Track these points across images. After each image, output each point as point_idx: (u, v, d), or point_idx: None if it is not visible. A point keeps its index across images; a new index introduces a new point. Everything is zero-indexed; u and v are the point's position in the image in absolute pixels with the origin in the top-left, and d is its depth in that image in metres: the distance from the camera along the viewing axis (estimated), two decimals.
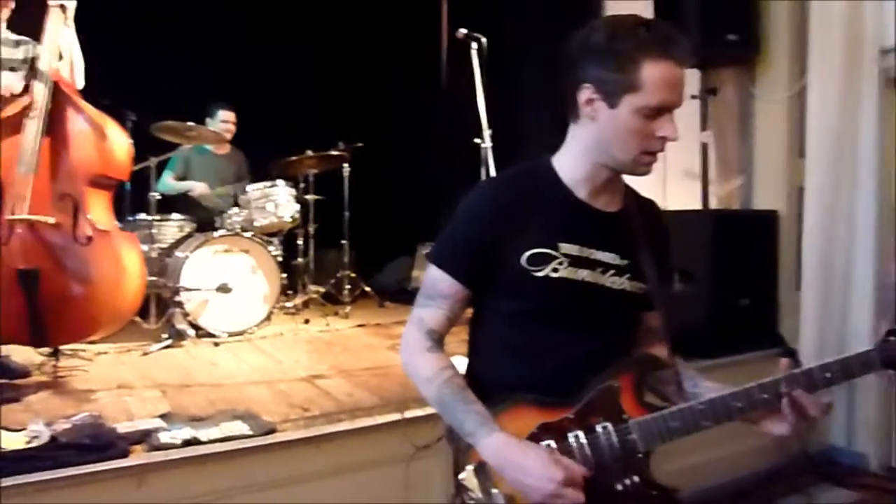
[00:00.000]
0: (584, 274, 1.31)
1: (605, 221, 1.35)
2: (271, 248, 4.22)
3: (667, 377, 1.38)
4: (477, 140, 3.69)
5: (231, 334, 3.98)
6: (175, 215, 4.38)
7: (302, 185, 4.81)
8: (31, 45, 3.01)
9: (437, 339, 1.35)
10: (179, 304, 3.86)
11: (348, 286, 4.85)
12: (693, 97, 3.78)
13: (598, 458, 1.24)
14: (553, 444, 1.25)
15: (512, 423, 1.25)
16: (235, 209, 4.36)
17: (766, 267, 3.59)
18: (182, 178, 4.76)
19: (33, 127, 2.82)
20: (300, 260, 4.86)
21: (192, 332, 3.87)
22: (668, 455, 1.34)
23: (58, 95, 2.91)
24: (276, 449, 2.23)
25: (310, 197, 4.79)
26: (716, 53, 3.58)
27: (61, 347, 3.08)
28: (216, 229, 4.26)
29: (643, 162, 1.28)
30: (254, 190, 4.33)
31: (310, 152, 4.59)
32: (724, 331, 3.30)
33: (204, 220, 4.50)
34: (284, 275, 4.29)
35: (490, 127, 3.61)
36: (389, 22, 5.44)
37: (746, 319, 3.44)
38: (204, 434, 2.19)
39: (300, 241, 4.85)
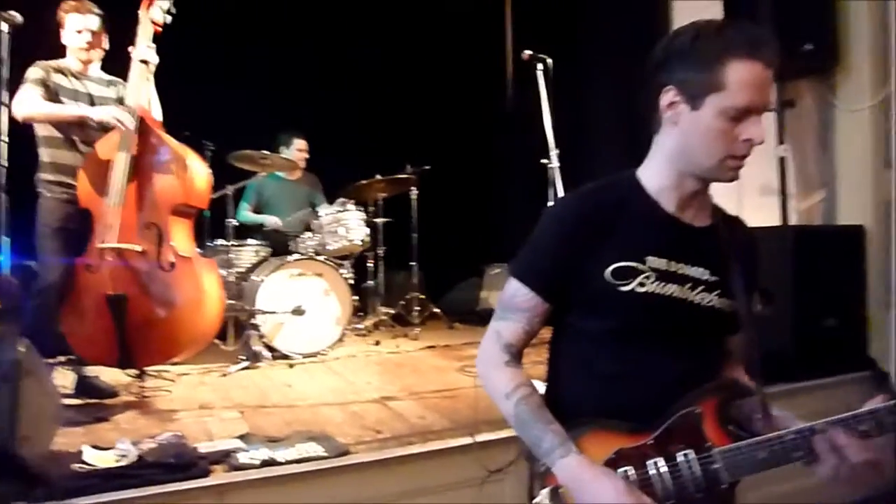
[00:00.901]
0: (672, 289, 1.25)
1: (694, 235, 1.29)
2: (343, 271, 4.31)
3: (752, 405, 1.29)
4: (544, 160, 3.68)
5: (305, 356, 4.06)
6: (251, 241, 4.53)
7: (371, 209, 4.90)
8: (122, 86, 3.21)
9: (515, 354, 1.31)
10: (255, 327, 3.98)
11: (417, 308, 4.89)
12: (768, 110, 3.66)
13: (679, 489, 1.18)
14: (631, 470, 1.19)
15: (590, 449, 1.21)
16: (308, 234, 4.48)
17: (852, 285, 3.42)
18: (258, 207, 4.94)
19: (121, 161, 2.98)
20: (370, 282, 4.94)
21: (267, 353, 3.98)
22: (751, 484, 1.28)
23: (143, 130, 3.08)
24: (350, 471, 2.26)
25: (379, 220, 4.88)
26: (791, 64, 3.45)
27: (146, 369, 3.22)
28: (290, 253, 4.38)
29: (729, 167, 1.22)
30: (325, 215, 4.44)
31: (379, 176, 4.68)
32: (808, 353, 3.15)
33: (279, 244, 4.65)
34: (356, 297, 4.37)
35: (557, 147, 3.59)
36: (455, 45, 5.51)
37: (832, 341, 3.27)
38: (281, 455, 2.25)
39: (370, 264, 4.93)
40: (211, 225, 4.55)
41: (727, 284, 1.29)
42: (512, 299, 1.31)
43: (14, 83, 2.88)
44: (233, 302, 4.09)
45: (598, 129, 5.14)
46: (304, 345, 4.09)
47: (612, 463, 1.20)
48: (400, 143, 5.13)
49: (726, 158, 1.20)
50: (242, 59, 5.22)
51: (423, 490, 2.30)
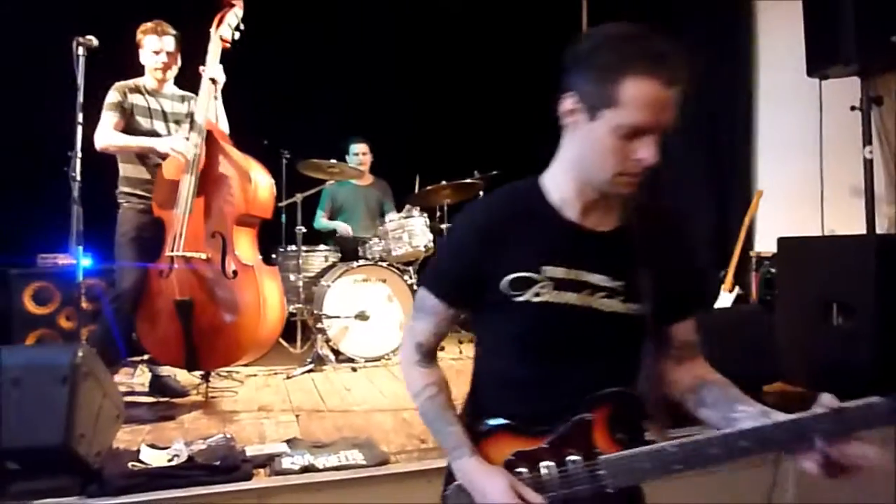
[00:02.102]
0: (570, 297, 1.24)
1: (596, 241, 1.26)
2: (406, 276, 4.36)
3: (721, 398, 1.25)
4: None
5: (368, 360, 4.14)
6: (321, 246, 4.66)
7: (438, 215, 4.93)
8: (193, 100, 3.39)
9: (426, 353, 1.36)
10: (322, 331, 4.09)
11: None
12: (853, 108, 3.41)
13: (566, 491, 1.20)
14: (526, 471, 1.22)
15: (492, 449, 1.26)
16: (375, 240, 4.56)
17: None
18: (332, 214, 5.09)
19: (187, 180, 3.15)
20: None
21: (332, 357, 4.08)
22: None
23: (210, 143, 3.23)
24: (388, 480, 2.28)
25: (444, 226, 4.90)
26: (877, 59, 3.20)
27: (211, 371, 3.38)
28: (359, 258, 4.47)
29: (620, 183, 1.18)
30: (390, 221, 4.50)
31: (444, 182, 4.69)
32: (892, 370, 2.90)
33: (348, 249, 4.76)
34: None
35: None
36: (525, 50, 5.45)
37: None
38: (321, 461, 2.30)
39: None
40: (286, 230, 4.73)
41: (633, 289, 1.25)
42: (422, 302, 1.36)
43: (96, 98, 3.11)
44: (301, 306, 4.23)
45: (679, 133, 4.95)
46: (368, 349, 4.17)
47: (511, 464, 1.24)
48: (468, 149, 5.12)
49: (618, 175, 1.17)
50: (314, 69, 5.39)
51: None
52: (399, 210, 4.73)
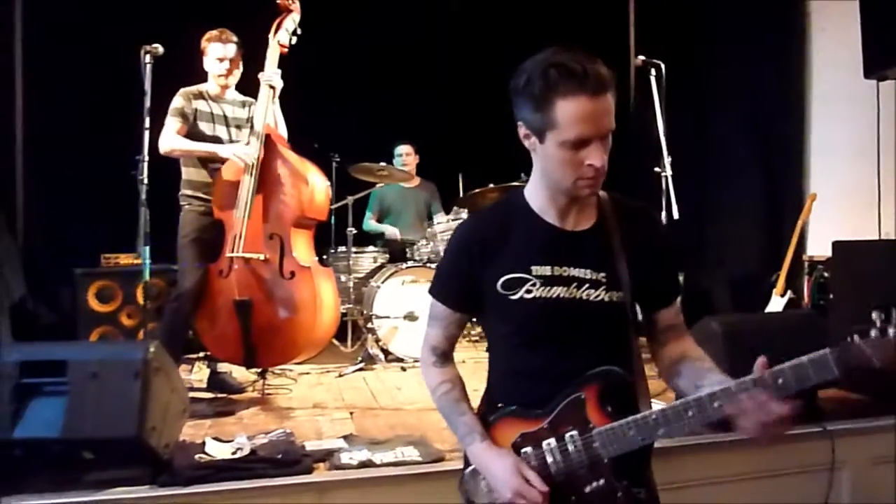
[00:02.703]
0: (558, 291, 1.39)
1: (576, 240, 1.43)
2: None
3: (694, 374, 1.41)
4: (657, 168, 3.58)
5: (416, 360, 4.20)
6: (370, 248, 4.75)
7: None
8: (254, 105, 3.50)
9: (441, 355, 1.55)
10: (372, 331, 4.17)
11: None
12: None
13: (568, 464, 1.36)
14: (531, 450, 1.39)
15: (501, 433, 1.43)
16: (423, 241, 4.62)
17: None
18: (380, 215, 5.18)
19: (246, 183, 3.26)
20: None
21: (382, 356, 4.16)
22: None
23: (268, 146, 3.33)
24: (444, 477, 2.32)
25: None
26: None
27: (269, 368, 3.48)
28: (407, 260, 4.54)
29: (581, 186, 1.34)
30: (439, 223, 4.56)
31: (492, 185, 4.73)
32: None
33: (397, 251, 4.84)
34: None
35: (670, 154, 3.48)
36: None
37: None
38: (378, 457, 2.36)
39: None
40: (336, 232, 4.83)
41: (614, 278, 1.40)
42: (432, 309, 1.54)
43: (160, 103, 3.23)
44: (352, 306, 4.31)
45: (718, 138, 4.92)
46: (417, 350, 4.18)
47: (517, 445, 1.41)
48: (513, 151, 5.15)
49: (577, 180, 1.33)
50: (362, 72, 5.48)
51: None
52: (447, 212, 4.79)
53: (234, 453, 2.39)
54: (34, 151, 4.43)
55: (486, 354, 4.28)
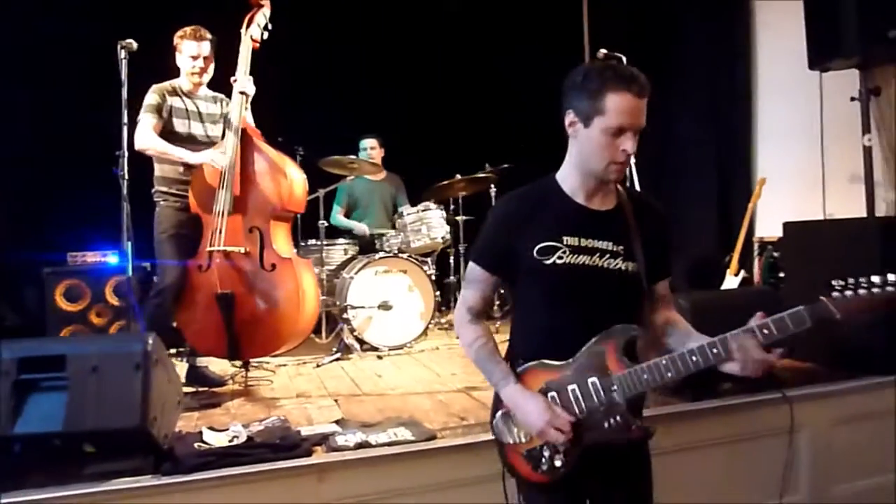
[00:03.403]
0: (584, 259, 1.67)
1: (600, 217, 1.71)
2: (426, 267, 4.51)
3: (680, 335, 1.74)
4: None
5: (392, 348, 4.30)
6: (340, 240, 4.81)
7: (452, 207, 5.08)
8: (225, 102, 3.51)
9: (476, 314, 1.79)
10: (347, 321, 4.24)
11: (497, 303, 5.04)
12: (853, 99, 3.60)
13: (589, 404, 1.64)
14: (556, 395, 1.66)
15: (529, 380, 1.70)
16: (392, 232, 4.70)
17: None
18: (348, 209, 5.23)
19: (224, 176, 3.28)
20: (451, 278, 5.12)
21: (358, 346, 4.24)
22: None
23: (245, 141, 3.36)
24: (437, 454, 2.43)
25: (459, 218, 5.05)
26: (876, 52, 3.39)
27: (251, 360, 3.52)
28: (377, 251, 4.62)
29: (612, 170, 1.63)
30: (409, 214, 4.65)
31: (459, 176, 4.85)
32: (893, 345, 3.09)
33: (365, 243, 4.91)
34: (438, 293, 4.57)
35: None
36: (531, 47, 5.60)
37: None
38: (374, 438, 2.45)
39: (452, 260, 5.12)
40: (303, 226, 4.86)
41: (631, 251, 1.69)
42: (470, 274, 1.79)
43: (134, 97, 3.21)
44: (325, 298, 4.37)
45: (672, 128, 5.14)
46: (391, 338, 4.33)
47: (544, 390, 1.67)
48: (480, 144, 5.28)
49: (610, 164, 1.61)
50: (326, 66, 5.50)
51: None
52: (414, 204, 4.88)
53: (231, 441, 2.45)
54: None
55: (458, 342, 4.47)
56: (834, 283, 1.53)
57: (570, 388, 1.65)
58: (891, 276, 1.50)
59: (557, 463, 1.66)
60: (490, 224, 1.77)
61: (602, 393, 1.63)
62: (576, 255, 1.67)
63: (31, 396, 2.17)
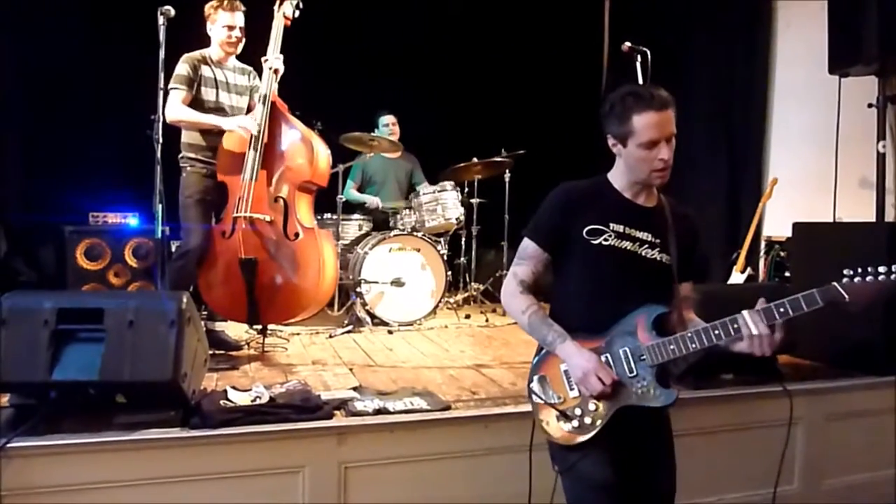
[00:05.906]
0: (626, 244, 1.91)
1: (643, 211, 1.96)
2: (439, 247, 4.59)
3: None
4: None
5: (402, 324, 4.39)
6: (356, 215, 4.89)
7: (467, 190, 5.16)
8: (253, 74, 3.57)
9: (526, 287, 1.97)
10: (360, 295, 4.33)
11: None
12: (870, 106, 3.67)
13: (620, 371, 1.87)
14: None
15: None
16: (407, 211, 4.78)
17: None
18: (362, 185, 5.30)
19: (254, 144, 3.35)
20: (463, 259, 5.22)
21: (369, 320, 4.33)
22: None
23: (274, 113, 3.43)
24: (451, 424, 2.53)
25: (474, 200, 5.14)
26: (893, 59, 3.45)
27: (270, 326, 3.61)
28: (390, 228, 4.70)
29: (655, 177, 1.89)
30: (425, 194, 4.73)
31: (475, 159, 4.92)
32: None
33: (380, 220, 4.99)
34: (449, 272, 4.66)
35: None
36: (552, 36, 5.65)
37: None
38: (391, 405, 2.55)
39: (463, 242, 5.20)
40: (317, 200, 4.92)
41: (666, 245, 1.94)
42: (524, 250, 2.00)
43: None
44: (339, 271, 4.45)
45: (687, 125, 5.20)
46: (402, 314, 4.42)
47: None
48: (497, 129, 5.34)
49: (651, 172, 1.88)
50: (349, 44, 5.54)
51: (515, 447, 2.47)
52: (431, 183, 4.96)
53: (253, 401, 2.54)
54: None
55: (466, 322, 4.60)
56: (845, 271, 1.70)
57: (604, 356, 1.88)
58: None
59: (588, 420, 1.86)
60: (547, 207, 1.99)
61: (633, 360, 1.86)
62: (620, 240, 1.91)
63: (68, 346, 2.26)
